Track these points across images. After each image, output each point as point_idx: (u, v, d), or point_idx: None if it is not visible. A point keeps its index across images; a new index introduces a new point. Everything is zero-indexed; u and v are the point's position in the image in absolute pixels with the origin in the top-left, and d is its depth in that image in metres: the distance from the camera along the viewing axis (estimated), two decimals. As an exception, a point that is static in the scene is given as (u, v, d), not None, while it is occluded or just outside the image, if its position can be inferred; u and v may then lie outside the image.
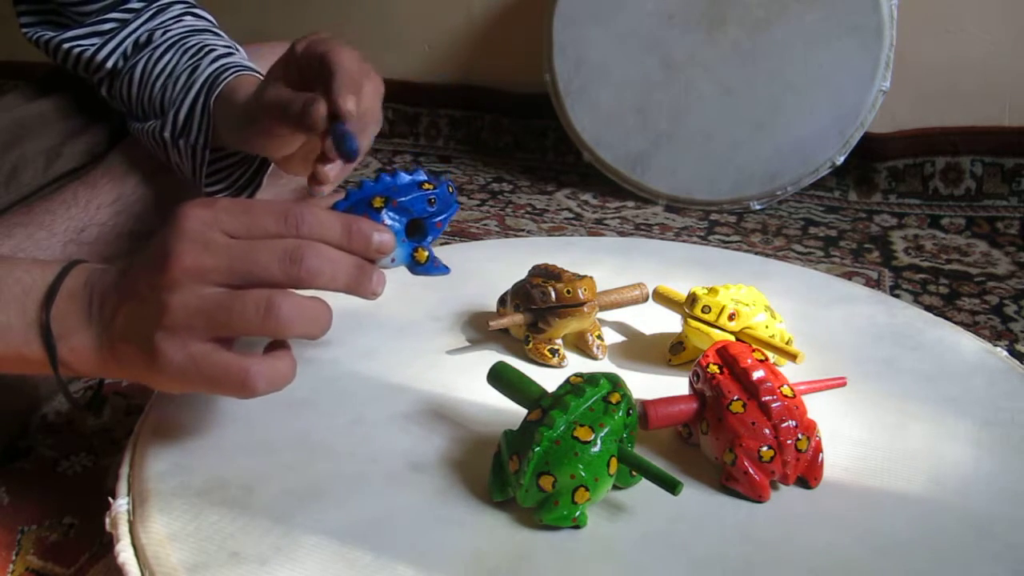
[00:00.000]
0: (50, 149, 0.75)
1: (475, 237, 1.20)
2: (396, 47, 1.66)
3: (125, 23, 0.70)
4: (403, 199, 0.46)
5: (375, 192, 0.46)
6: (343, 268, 0.41)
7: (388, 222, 0.45)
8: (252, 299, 0.39)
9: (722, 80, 1.24)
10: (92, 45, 0.70)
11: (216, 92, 0.64)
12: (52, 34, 0.71)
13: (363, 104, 0.55)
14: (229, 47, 0.71)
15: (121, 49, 0.70)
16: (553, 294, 0.55)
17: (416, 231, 0.47)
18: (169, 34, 0.70)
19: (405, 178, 0.46)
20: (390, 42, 1.66)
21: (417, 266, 0.47)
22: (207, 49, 0.68)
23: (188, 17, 0.72)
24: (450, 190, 0.47)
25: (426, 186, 0.46)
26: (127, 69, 0.70)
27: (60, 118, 0.77)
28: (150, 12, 0.71)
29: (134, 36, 0.70)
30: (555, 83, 1.31)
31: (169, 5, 0.72)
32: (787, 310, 0.59)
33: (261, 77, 0.65)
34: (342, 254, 0.41)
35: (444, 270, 0.47)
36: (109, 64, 0.70)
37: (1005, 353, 0.59)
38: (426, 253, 0.46)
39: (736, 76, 1.23)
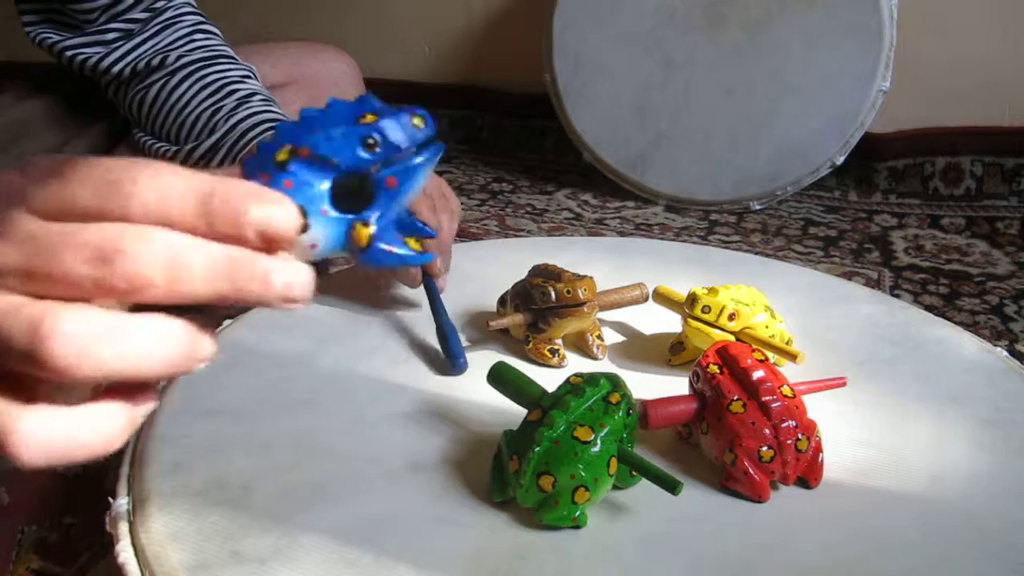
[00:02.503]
0: (51, 149, 0.75)
1: (475, 237, 1.20)
2: (396, 47, 1.66)
3: (129, 34, 0.70)
4: (320, 143, 0.29)
5: (286, 139, 0.29)
6: (198, 268, 0.26)
7: (293, 184, 0.28)
8: (20, 320, 0.25)
9: (722, 80, 1.24)
10: (96, 54, 0.70)
11: (247, 148, 0.65)
12: (55, 39, 0.71)
13: (446, 243, 0.64)
14: (247, 73, 0.72)
15: (128, 61, 0.70)
16: (553, 294, 0.55)
17: (357, 196, 0.30)
18: (184, 61, 0.70)
19: (339, 108, 0.30)
20: (390, 42, 1.66)
21: (360, 252, 0.29)
22: (229, 89, 0.69)
23: (198, 35, 0.72)
24: (415, 123, 0.30)
25: (367, 118, 0.29)
26: (139, 89, 0.70)
27: (60, 118, 0.77)
28: (157, 27, 0.71)
29: (145, 56, 0.70)
30: (555, 83, 1.31)
31: (175, 21, 0.72)
32: (787, 310, 0.59)
33: None
34: (197, 244, 0.26)
35: (413, 258, 0.30)
36: (115, 70, 0.70)
37: (1005, 353, 0.59)
38: (370, 231, 0.29)
39: (736, 76, 1.23)
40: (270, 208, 0.27)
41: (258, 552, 0.39)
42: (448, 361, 0.55)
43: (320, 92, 0.92)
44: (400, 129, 0.29)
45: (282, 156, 0.29)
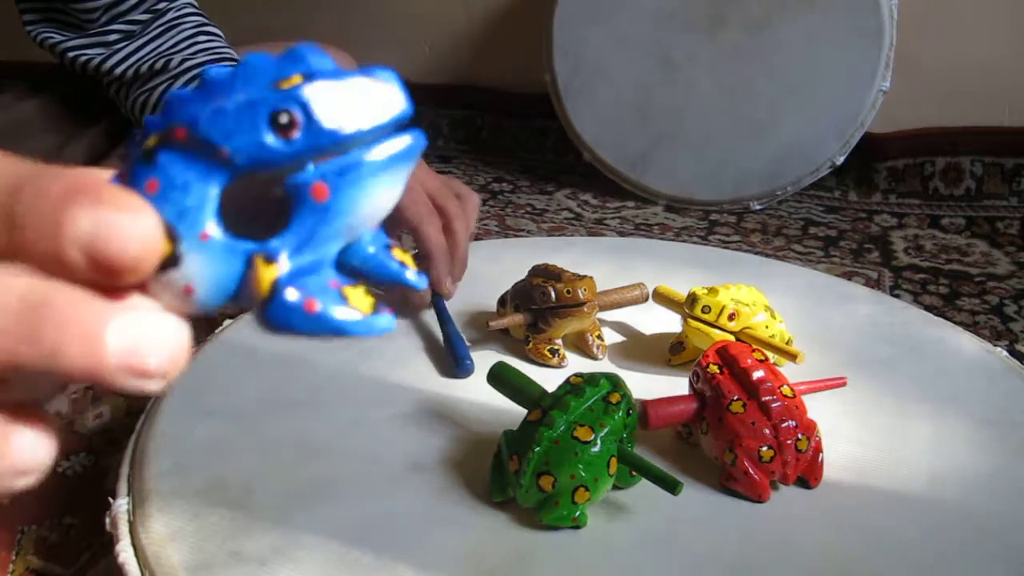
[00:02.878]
0: (51, 150, 0.75)
1: (475, 237, 1.20)
2: (396, 47, 1.66)
3: (131, 35, 0.70)
4: (204, 121, 0.18)
5: (170, 116, 0.19)
6: None
7: (158, 187, 0.18)
8: None
9: (722, 80, 1.24)
10: (98, 55, 0.70)
11: None
12: (57, 39, 0.71)
13: (460, 251, 0.62)
14: None
15: (130, 63, 0.70)
16: (553, 294, 0.55)
17: (265, 213, 0.19)
18: (187, 65, 0.70)
19: (255, 66, 0.19)
20: (390, 42, 1.66)
21: (260, 307, 0.19)
22: None
23: (201, 37, 0.72)
24: (372, 93, 0.19)
25: (290, 81, 0.18)
26: (142, 91, 0.70)
27: (60, 118, 0.77)
28: (159, 29, 0.71)
29: (148, 59, 0.70)
30: (555, 83, 1.31)
31: (178, 22, 0.72)
32: (787, 310, 0.59)
33: None
34: None
35: (355, 326, 0.19)
36: (118, 72, 0.70)
37: (1005, 353, 0.59)
38: (273, 273, 0.19)
39: (736, 76, 1.23)
40: (108, 217, 0.16)
41: (258, 552, 0.39)
42: (454, 363, 0.56)
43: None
44: (337, 102, 0.18)
45: (151, 143, 0.19)
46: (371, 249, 0.21)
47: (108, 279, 0.17)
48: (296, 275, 0.19)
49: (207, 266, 0.18)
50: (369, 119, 0.19)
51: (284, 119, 0.18)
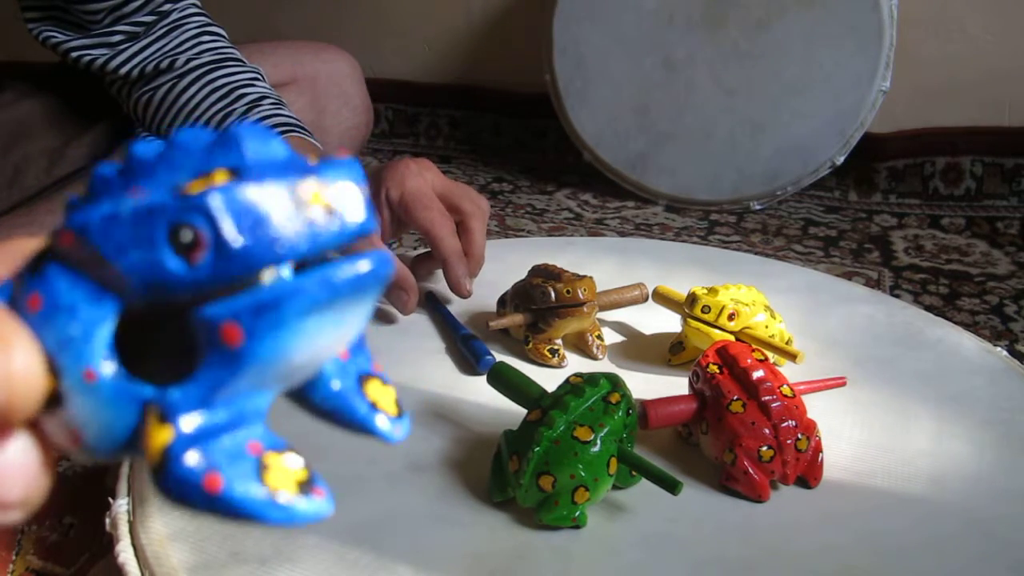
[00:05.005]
0: (53, 150, 0.75)
1: (475, 237, 1.20)
2: (396, 47, 1.66)
3: (135, 36, 0.70)
4: (96, 227, 0.14)
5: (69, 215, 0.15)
6: None
7: (41, 305, 0.15)
8: None
9: (722, 80, 1.24)
10: (102, 55, 0.70)
11: None
12: (60, 38, 0.71)
13: (477, 249, 0.62)
14: (255, 75, 0.72)
15: (135, 63, 0.70)
16: (553, 294, 0.55)
17: (177, 349, 0.15)
18: (192, 64, 0.70)
19: (182, 148, 0.15)
20: (390, 42, 1.66)
21: (157, 476, 0.15)
22: (238, 93, 0.69)
23: (205, 37, 0.72)
24: (312, 201, 0.14)
25: (211, 178, 0.14)
26: (146, 90, 0.70)
27: (61, 118, 0.77)
28: (163, 29, 0.71)
29: (153, 59, 0.70)
30: (555, 83, 1.31)
31: (182, 23, 0.72)
32: (787, 310, 0.59)
33: (302, 134, 0.67)
34: None
35: (275, 514, 0.15)
36: (122, 72, 0.70)
37: (1005, 353, 0.59)
38: (166, 436, 0.14)
39: (736, 76, 1.23)
40: None
41: (258, 552, 0.39)
42: (475, 360, 0.55)
43: (321, 92, 0.92)
44: (259, 215, 0.14)
45: (46, 246, 0.16)
46: (336, 385, 0.17)
47: None
48: (202, 436, 0.15)
49: (93, 412, 0.15)
50: (304, 240, 0.14)
51: (187, 236, 0.14)
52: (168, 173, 0.15)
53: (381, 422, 0.17)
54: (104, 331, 0.15)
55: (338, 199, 0.14)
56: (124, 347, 0.15)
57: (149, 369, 0.15)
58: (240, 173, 0.14)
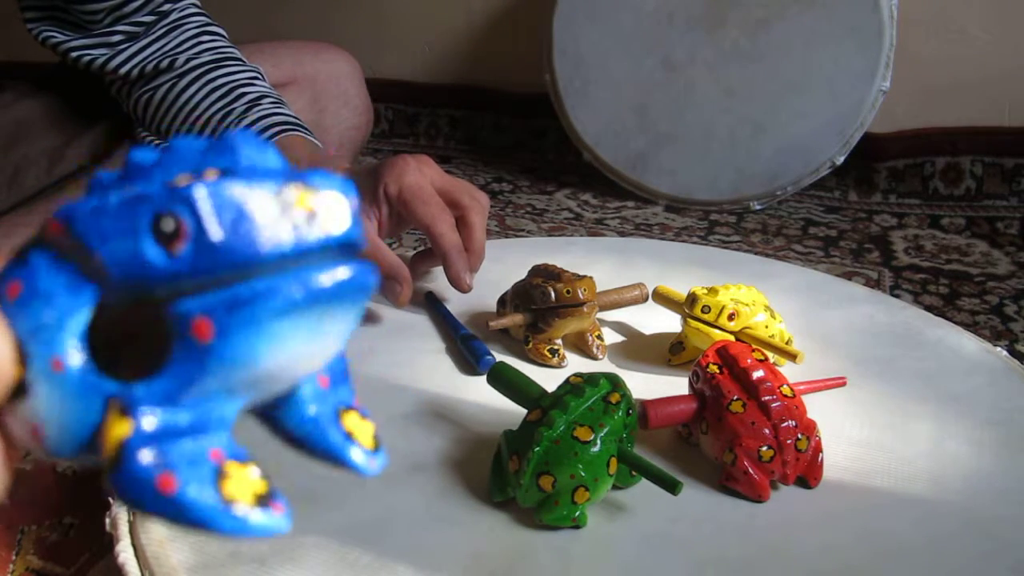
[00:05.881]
0: (53, 150, 0.75)
1: (475, 237, 1.20)
2: (396, 47, 1.66)
3: (135, 36, 0.71)
4: (81, 218, 0.15)
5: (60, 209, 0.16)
6: None
7: (20, 292, 0.15)
8: None
9: (722, 80, 1.24)
10: (102, 55, 0.70)
11: None
12: (59, 38, 0.71)
13: (477, 244, 0.62)
14: (255, 74, 0.72)
15: (135, 63, 0.70)
16: (553, 294, 0.55)
17: (150, 347, 0.15)
18: (192, 63, 0.70)
19: (180, 151, 0.15)
20: (390, 42, 1.66)
21: (111, 472, 0.14)
22: (238, 92, 0.69)
23: (205, 37, 0.72)
24: (298, 201, 0.14)
25: (204, 175, 0.15)
26: (146, 90, 0.70)
27: (60, 118, 0.77)
28: (163, 29, 0.71)
29: (153, 59, 0.70)
30: (555, 83, 1.31)
31: (182, 23, 0.72)
32: (787, 310, 0.59)
33: (302, 133, 0.66)
34: None
35: (230, 524, 0.15)
36: (122, 72, 0.70)
37: (1005, 353, 0.59)
38: (124, 430, 0.14)
39: (736, 76, 1.23)
40: None
41: (258, 552, 0.39)
42: (475, 361, 0.55)
43: (321, 92, 0.92)
44: (244, 210, 0.14)
45: (35, 236, 0.16)
46: (312, 410, 0.17)
47: None
48: (162, 436, 0.14)
49: (56, 404, 0.14)
50: (286, 242, 0.14)
51: (168, 225, 0.14)
52: (162, 174, 0.15)
53: (355, 454, 0.17)
54: (78, 321, 0.15)
55: (324, 206, 0.14)
56: (98, 348, 0.15)
57: (121, 374, 0.15)
58: (230, 172, 0.14)
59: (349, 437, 0.17)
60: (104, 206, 0.14)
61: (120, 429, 0.14)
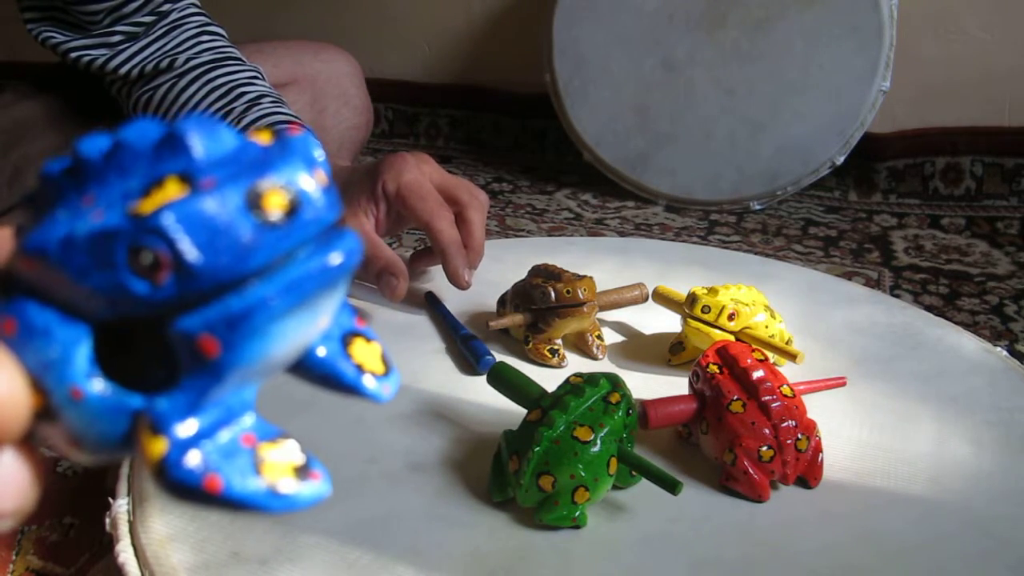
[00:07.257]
0: (53, 150, 0.75)
1: (475, 237, 1.20)
2: (396, 47, 1.66)
3: (134, 36, 0.71)
4: (55, 251, 0.14)
5: (26, 237, 0.15)
6: None
7: (16, 330, 0.15)
8: None
9: (722, 80, 1.24)
10: (102, 55, 0.70)
11: None
12: (59, 39, 0.71)
13: (476, 241, 0.61)
14: (255, 74, 0.72)
15: (134, 63, 0.70)
16: (553, 294, 0.55)
17: (155, 351, 0.15)
18: (192, 63, 0.70)
19: (126, 157, 0.15)
20: (390, 42, 1.66)
21: (159, 480, 0.15)
22: (238, 92, 0.69)
23: (204, 37, 0.72)
24: (268, 202, 0.14)
25: (163, 190, 0.14)
26: (146, 90, 0.70)
27: (60, 118, 0.77)
28: (163, 29, 0.71)
29: (153, 59, 0.70)
30: (555, 83, 1.31)
31: (181, 23, 0.72)
32: (787, 310, 0.59)
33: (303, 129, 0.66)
34: None
35: (277, 502, 0.16)
36: (122, 72, 0.70)
37: (1005, 353, 0.59)
38: (161, 445, 0.15)
39: (736, 76, 1.23)
40: None
41: (258, 552, 0.39)
42: (475, 361, 0.55)
43: (321, 91, 0.92)
44: (218, 226, 0.14)
45: (9, 269, 0.15)
46: (321, 351, 0.17)
47: None
48: (196, 439, 0.15)
49: (86, 425, 0.15)
50: (267, 247, 0.14)
51: (147, 259, 0.14)
52: (119, 179, 0.14)
53: (368, 383, 0.18)
54: (83, 350, 0.15)
55: (296, 194, 0.14)
56: (103, 347, 0.15)
57: (132, 365, 0.15)
58: (191, 178, 0.14)
59: (360, 369, 0.18)
60: (74, 239, 0.14)
61: (156, 448, 0.15)
